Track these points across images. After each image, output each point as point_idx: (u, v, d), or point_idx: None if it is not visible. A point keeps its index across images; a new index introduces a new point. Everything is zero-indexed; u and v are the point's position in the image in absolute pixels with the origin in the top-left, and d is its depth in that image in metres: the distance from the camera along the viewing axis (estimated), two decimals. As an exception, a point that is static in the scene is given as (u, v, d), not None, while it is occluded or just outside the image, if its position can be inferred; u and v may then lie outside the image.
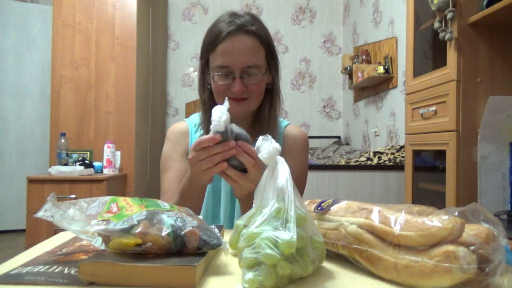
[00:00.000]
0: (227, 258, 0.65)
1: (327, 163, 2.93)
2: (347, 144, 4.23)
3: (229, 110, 1.01)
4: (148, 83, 3.73)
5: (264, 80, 1.02)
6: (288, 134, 1.13)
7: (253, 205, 0.60)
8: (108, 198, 0.64)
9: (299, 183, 1.09)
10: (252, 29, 0.99)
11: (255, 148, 0.61)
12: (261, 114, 1.08)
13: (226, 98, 0.78)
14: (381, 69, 3.17)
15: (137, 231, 0.56)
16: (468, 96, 1.59)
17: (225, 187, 1.08)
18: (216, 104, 1.07)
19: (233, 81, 0.98)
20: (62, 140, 2.93)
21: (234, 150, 0.74)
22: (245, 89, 0.98)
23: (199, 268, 0.53)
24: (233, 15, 1.01)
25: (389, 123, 3.25)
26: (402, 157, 2.59)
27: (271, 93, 1.08)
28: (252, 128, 1.09)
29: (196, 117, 1.15)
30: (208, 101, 1.08)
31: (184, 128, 1.14)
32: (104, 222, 0.56)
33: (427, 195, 1.99)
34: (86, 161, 2.99)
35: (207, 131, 1.07)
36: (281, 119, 1.16)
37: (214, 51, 1.00)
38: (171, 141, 1.13)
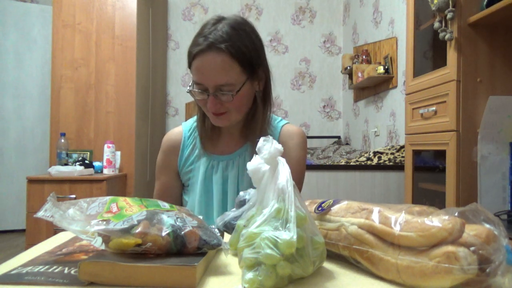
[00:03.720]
0: (227, 258, 0.64)
1: (327, 163, 2.93)
2: (347, 144, 4.23)
3: (213, 123, 1.03)
4: (148, 83, 3.73)
5: (241, 95, 0.99)
6: (284, 132, 1.14)
7: (254, 205, 0.60)
8: (108, 198, 0.64)
9: (295, 179, 1.09)
10: (222, 47, 0.94)
11: (257, 149, 0.60)
12: (255, 115, 1.08)
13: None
14: (381, 69, 3.16)
15: (137, 231, 0.56)
16: (468, 96, 1.59)
17: (217, 187, 1.09)
18: None
19: (208, 97, 0.98)
20: (62, 140, 2.92)
21: None
22: (219, 105, 0.98)
23: (199, 268, 0.53)
24: (214, 24, 0.98)
25: (389, 123, 3.25)
26: (402, 157, 2.59)
27: (262, 98, 1.07)
28: (247, 128, 1.10)
29: (192, 121, 1.17)
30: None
31: (177, 138, 1.15)
32: (104, 222, 0.56)
33: (427, 195, 1.99)
34: (86, 161, 2.99)
35: (200, 134, 1.10)
36: (280, 118, 1.17)
37: (191, 66, 1.00)
38: (163, 152, 1.16)
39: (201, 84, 0.97)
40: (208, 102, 0.97)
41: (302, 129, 1.19)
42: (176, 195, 1.17)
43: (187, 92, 1.02)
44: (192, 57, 0.97)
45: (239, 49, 0.96)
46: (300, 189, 1.09)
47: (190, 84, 1.02)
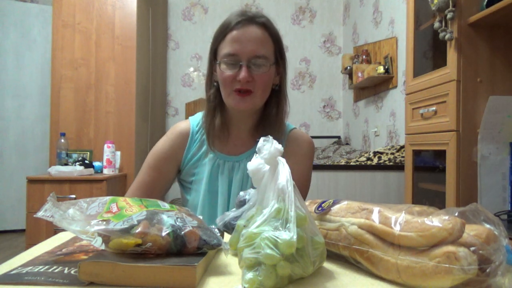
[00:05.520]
0: (227, 258, 0.64)
1: (327, 163, 2.93)
2: (347, 144, 4.23)
3: (234, 106, 1.02)
4: (148, 83, 3.73)
5: (271, 74, 1.02)
6: (292, 138, 1.12)
7: (254, 205, 0.60)
8: (108, 198, 0.64)
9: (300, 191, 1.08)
10: (263, 20, 1.01)
11: (257, 149, 0.60)
12: (267, 115, 1.07)
13: None
14: (381, 69, 3.16)
15: (137, 231, 0.56)
16: (468, 96, 1.59)
17: (222, 188, 1.07)
18: (221, 102, 1.07)
19: (239, 69, 0.98)
20: (62, 140, 2.92)
21: None
22: (251, 79, 0.98)
23: (199, 268, 0.53)
24: (245, 10, 1.03)
25: (389, 123, 3.25)
26: (402, 157, 2.59)
27: (278, 95, 1.08)
28: (257, 129, 1.09)
29: (200, 116, 1.14)
30: (213, 99, 1.07)
31: (186, 132, 1.11)
32: (104, 222, 0.56)
33: (427, 195, 1.99)
34: (86, 161, 2.99)
35: (208, 129, 1.08)
36: (287, 123, 1.15)
37: (223, 40, 1.00)
38: (169, 141, 1.11)
39: (234, 55, 0.98)
40: (242, 72, 0.97)
41: (310, 137, 1.17)
42: (166, 188, 1.12)
43: (217, 63, 1.01)
44: (230, 28, 0.99)
45: (275, 31, 1.04)
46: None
47: (210, 67, 1.04)
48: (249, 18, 1.00)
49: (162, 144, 1.11)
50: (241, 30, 0.98)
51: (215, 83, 1.07)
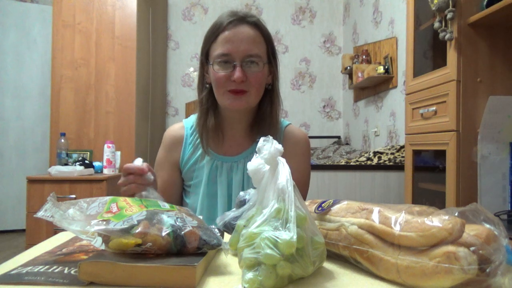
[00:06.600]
0: (227, 258, 0.65)
1: (327, 163, 2.93)
2: (347, 144, 4.23)
3: (228, 105, 1.02)
4: (148, 83, 3.73)
5: (264, 73, 1.02)
6: (288, 135, 1.12)
7: (254, 205, 0.60)
8: (108, 198, 0.64)
9: (299, 190, 1.08)
10: (254, 20, 1.01)
11: (257, 149, 0.61)
12: (262, 115, 1.07)
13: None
14: (381, 69, 3.16)
15: (137, 231, 0.56)
16: (468, 96, 1.59)
17: (221, 190, 1.07)
18: (214, 104, 1.07)
19: (233, 70, 0.97)
20: (62, 140, 2.92)
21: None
22: (245, 78, 0.98)
23: (199, 268, 0.53)
24: (236, 10, 1.03)
25: (389, 123, 3.25)
26: (402, 157, 2.59)
27: (271, 94, 1.08)
28: (252, 128, 1.08)
29: (194, 118, 1.14)
30: (206, 102, 1.07)
31: (180, 134, 1.13)
32: (104, 222, 0.56)
33: (427, 195, 1.99)
34: (86, 161, 2.99)
35: (201, 133, 1.08)
36: (282, 119, 1.15)
37: (215, 41, 1.00)
38: (164, 148, 1.13)
39: (228, 55, 0.98)
40: (236, 72, 0.97)
41: (306, 133, 1.17)
42: (177, 193, 1.13)
43: (210, 64, 1.01)
44: (222, 28, 0.99)
45: (266, 31, 1.04)
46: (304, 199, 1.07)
47: (201, 69, 1.05)
48: (240, 18, 0.99)
49: (160, 152, 1.14)
50: (233, 30, 0.98)
51: (207, 85, 1.06)
